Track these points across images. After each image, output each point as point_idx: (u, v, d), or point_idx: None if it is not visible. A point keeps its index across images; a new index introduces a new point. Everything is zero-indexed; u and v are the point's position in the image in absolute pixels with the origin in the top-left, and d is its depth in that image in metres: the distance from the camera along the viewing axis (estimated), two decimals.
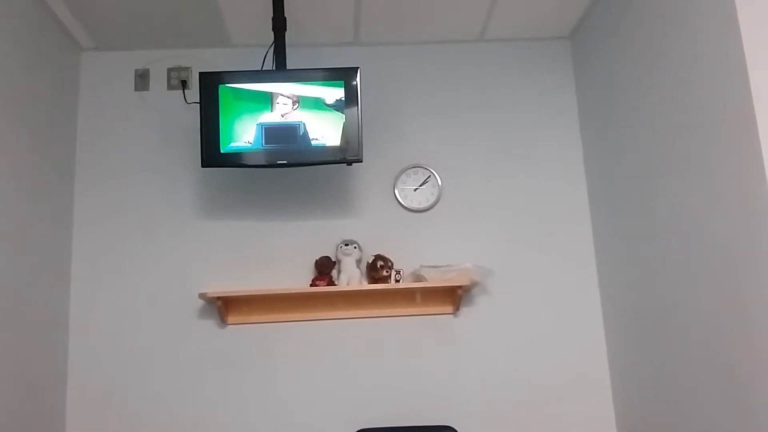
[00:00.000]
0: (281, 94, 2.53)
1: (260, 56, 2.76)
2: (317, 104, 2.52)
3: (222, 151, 2.50)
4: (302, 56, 2.88)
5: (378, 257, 2.73)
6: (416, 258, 2.79)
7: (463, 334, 2.78)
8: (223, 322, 2.74)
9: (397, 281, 2.74)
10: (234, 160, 2.52)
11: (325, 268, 2.73)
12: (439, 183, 2.89)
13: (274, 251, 2.81)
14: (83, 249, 2.79)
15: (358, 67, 2.55)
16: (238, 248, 2.81)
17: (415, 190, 2.88)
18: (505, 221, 2.88)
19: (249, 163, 2.53)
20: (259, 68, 2.76)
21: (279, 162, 2.51)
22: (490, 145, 2.94)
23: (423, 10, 2.74)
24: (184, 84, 2.92)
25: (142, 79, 2.93)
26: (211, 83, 2.53)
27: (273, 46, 2.64)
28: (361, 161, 2.55)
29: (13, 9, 2.36)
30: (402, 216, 2.87)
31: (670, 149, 2.19)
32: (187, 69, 2.94)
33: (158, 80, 2.93)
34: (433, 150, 2.92)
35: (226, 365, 2.73)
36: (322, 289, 2.67)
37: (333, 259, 2.75)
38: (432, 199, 2.87)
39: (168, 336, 2.74)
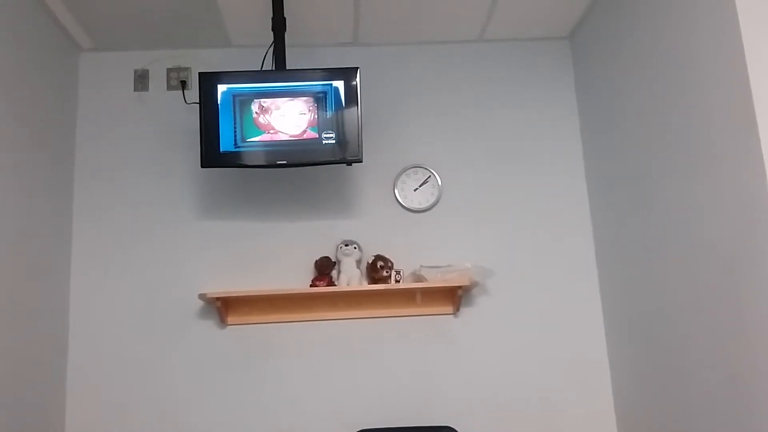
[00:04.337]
0: (281, 95, 2.52)
1: (260, 56, 2.76)
2: (317, 104, 2.52)
3: (221, 151, 2.50)
4: (302, 56, 2.88)
5: (378, 257, 2.72)
6: (416, 258, 2.78)
7: (463, 335, 2.78)
8: (222, 322, 2.74)
9: (397, 281, 2.73)
10: (234, 160, 2.52)
11: (325, 269, 2.73)
12: (439, 183, 2.88)
13: (274, 251, 2.81)
14: (82, 249, 2.79)
15: (357, 67, 2.55)
16: (238, 248, 2.81)
17: (415, 190, 2.88)
18: (505, 221, 2.87)
19: (249, 164, 2.53)
20: (259, 68, 2.76)
21: (279, 162, 2.51)
22: (490, 145, 2.94)
23: (423, 10, 2.74)
24: (183, 84, 2.91)
25: (141, 80, 2.93)
26: (210, 83, 2.52)
27: (272, 46, 2.63)
28: (361, 161, 2.55)
29: (12, 10, 2.35)
30: (402, 216, 2.87)
31: (670, 149, 2.19)
32: (186, 69, 2.93)
33: (158, 80, 2.93)
34: (432, 150, 2.92)
35: (226, 366, 2.72)
36: (322, 289, 2.67)
37: (333, 260, 2.75)
38: (432, 199, 2.87)
39: (167, 336, 2.73)
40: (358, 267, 2.73)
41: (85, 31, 2.78)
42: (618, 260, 2.64)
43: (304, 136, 2.50)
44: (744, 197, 1.79)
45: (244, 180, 2.86)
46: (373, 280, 2.72)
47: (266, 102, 2.51)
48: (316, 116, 2.51)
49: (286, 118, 2.51)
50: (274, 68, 2.62)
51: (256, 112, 2.50)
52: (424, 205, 2.87)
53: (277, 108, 2.51)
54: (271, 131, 2.50)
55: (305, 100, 2.52)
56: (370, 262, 2.73)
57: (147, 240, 2.80)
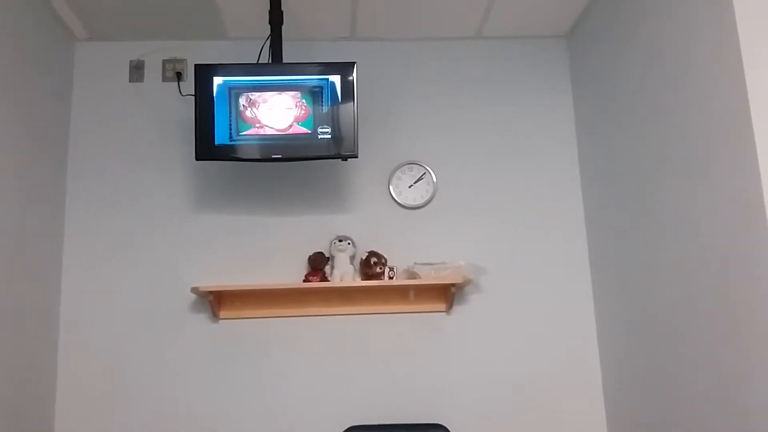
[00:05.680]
0: (275, 88, 2.51)
1: (256, 49, 2.74)
2: (313, 99, 2.51)
3: (216, 145, 2.49)
4: (298, 50, 2.87)
5: (372, 254, 2.72)
6: (410, 255, 2.78)
7: (456, 332, 2.78)
8: (215, 316, 2.73)
9: (391, 278, 2.72)
10: (228, 153, 2.50)
11: (318, 264, 2.72)
12: (434, 180, 2.88)
13: (268, 246, 2.80)
14: (75, 241, 2.77)
15: (354, 62, 2.54)
16: (232, 243, 2.80)
17: (410, 186, 2.88)
18: (499, 219, 2.87)
19: (244, 157, 2.51)
20: (255, 61, 2.74)
21: (274, 156, 2.50)
22: (486, 142, 2.93)
23: (421, 6, 2.73)
24: (179, 76, 2.90)
25: (136, 71, 2.91)
26: (206, 76, 2.51)
27: (269, 39, 2.62)
28: (357, 157, 2.54)
29: None
30: (396, 213, 2.86)
31: (665, 149, 2.19)
32: (182, 61, 2.92)
33: (153, 72, 2.91)
34: (428, 147, 2.91)
35: (218, 360, 2.71)
36: (315, 284, 2.66)
37: (326, 255, 2.74)
38: (426, 196, 2.87)
39: (160, 330, 2.72)
40: (352, 263, 2.72)
41: (80, 20, 2.76)
42: (611, 260, 2.64)
43: (290, 131, 2.49)
44: (739, 199, 1.79)
45: (238, 174, 2.85)
46: (367, 276, 2.71)
47: (253, 95, 2.50)
48: (308, 111, 2.50)
49: (272, 111, 2.49)
50: (270, 61, 2.60)
51: (244, 105, 2.49)
52: (419, 201, 2.86)
53: (264, 101, 2.49)
54: (257, 125, 2.49)
55: (293, 95, 2.50)
56: (363, 258, 2.72)
57: (140, 233, 2.79)
